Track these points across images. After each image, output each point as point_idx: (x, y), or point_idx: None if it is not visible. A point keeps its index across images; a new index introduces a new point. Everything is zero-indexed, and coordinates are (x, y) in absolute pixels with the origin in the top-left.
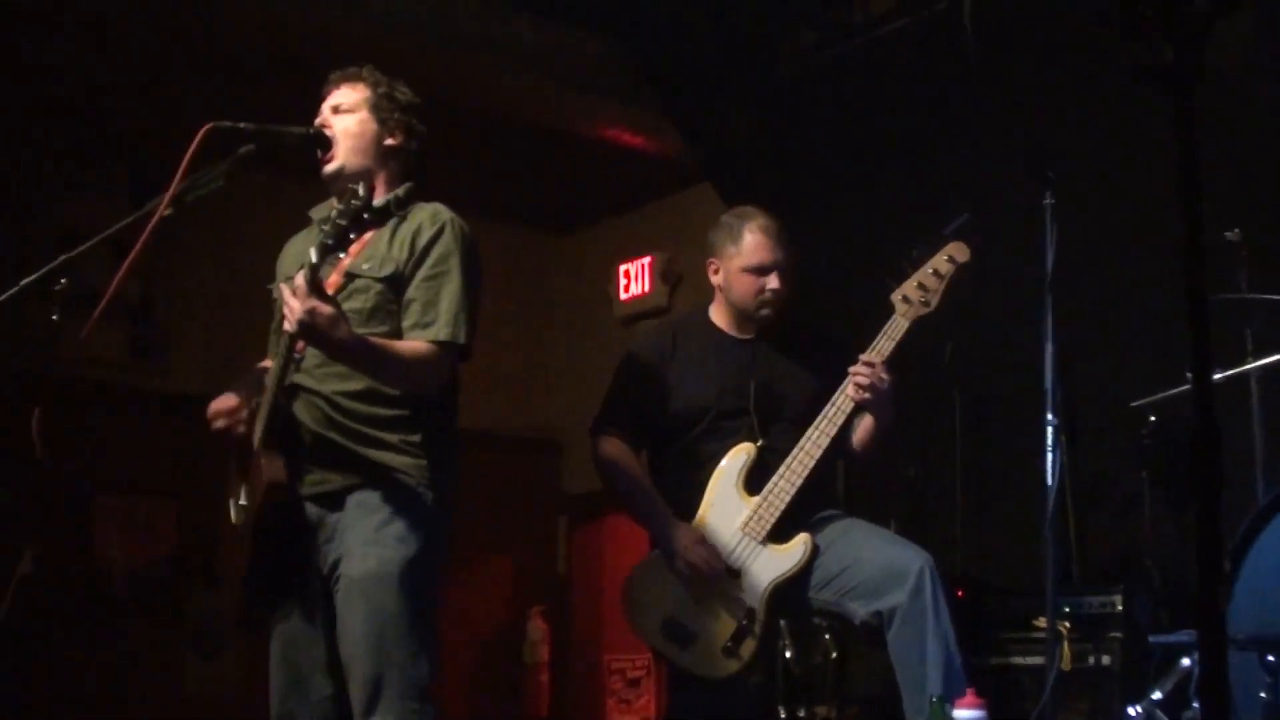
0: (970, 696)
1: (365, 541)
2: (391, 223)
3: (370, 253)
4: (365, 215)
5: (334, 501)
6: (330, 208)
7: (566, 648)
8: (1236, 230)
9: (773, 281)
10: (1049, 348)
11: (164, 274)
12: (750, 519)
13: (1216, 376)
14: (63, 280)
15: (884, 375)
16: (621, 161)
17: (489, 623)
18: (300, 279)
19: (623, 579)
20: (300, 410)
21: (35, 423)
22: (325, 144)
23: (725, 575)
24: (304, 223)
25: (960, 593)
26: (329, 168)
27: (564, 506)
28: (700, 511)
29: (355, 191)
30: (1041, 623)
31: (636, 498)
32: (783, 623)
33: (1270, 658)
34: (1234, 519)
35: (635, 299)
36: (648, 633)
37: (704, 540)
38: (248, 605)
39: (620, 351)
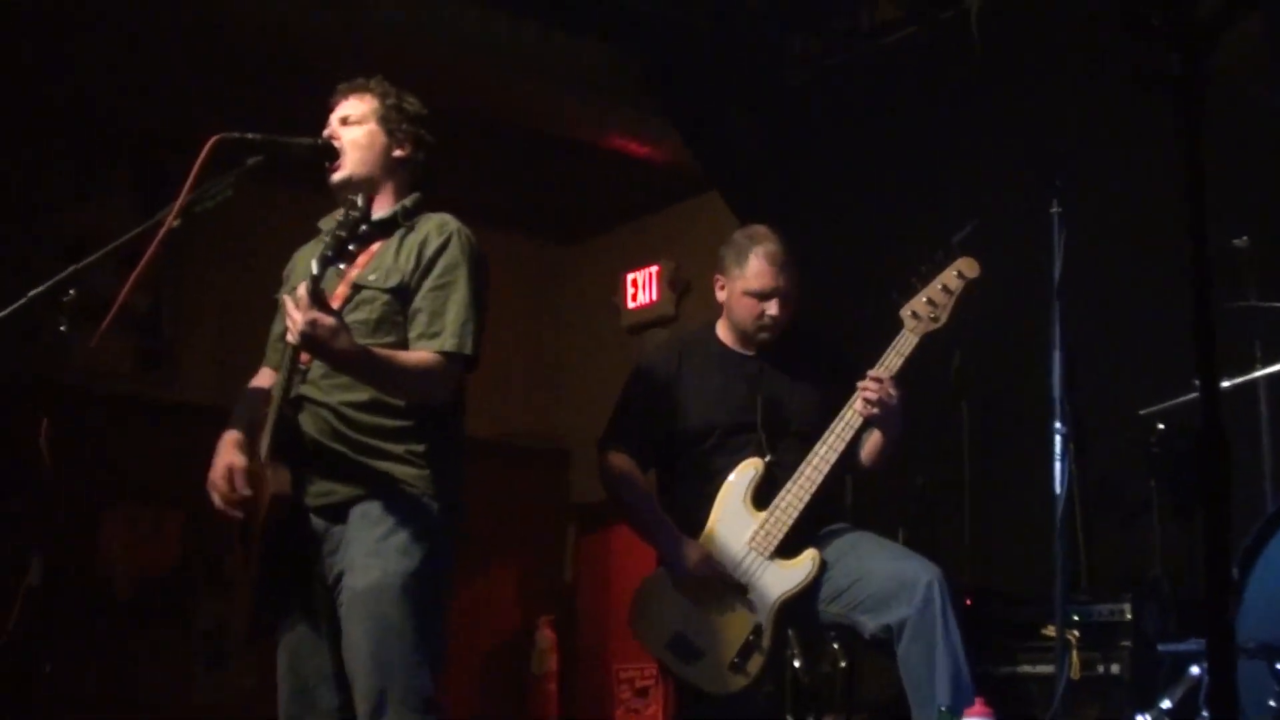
0: (979, 705)
1: (368, 553)
2: (399, 233)
3: (377, 263)
4: (364, 227)
5: (339, 513)
6: (336, 217)
7: (574, 657)
8: (1244, 238)
9: (772, 308)
10: (1056, 356)
11: (172, 284)
12: (758, 534)
13: (1224, 384)
14: (71, 291)
15: (892, 390)
16: (628, 170)
17: (497, 632)
18: (302, 290)
19: (631, 588)
20: (306, 422)
21: (43, 433)
22: (333, 155)
23: (732, 590)
24: (312, 232)
25: (969, 601)
26: (336, 177)
27: (572, 515)
28: (708, 526)
29: (354, 203)
30: (1050, 631)
31: (643, 514)
32: (791, 632)
33: (1279, 666)
34: (1242, 527)
35: (642, 308)
36: (655, 648)
37: (711, 556)
38: (254, 616)
39: (628, 360)
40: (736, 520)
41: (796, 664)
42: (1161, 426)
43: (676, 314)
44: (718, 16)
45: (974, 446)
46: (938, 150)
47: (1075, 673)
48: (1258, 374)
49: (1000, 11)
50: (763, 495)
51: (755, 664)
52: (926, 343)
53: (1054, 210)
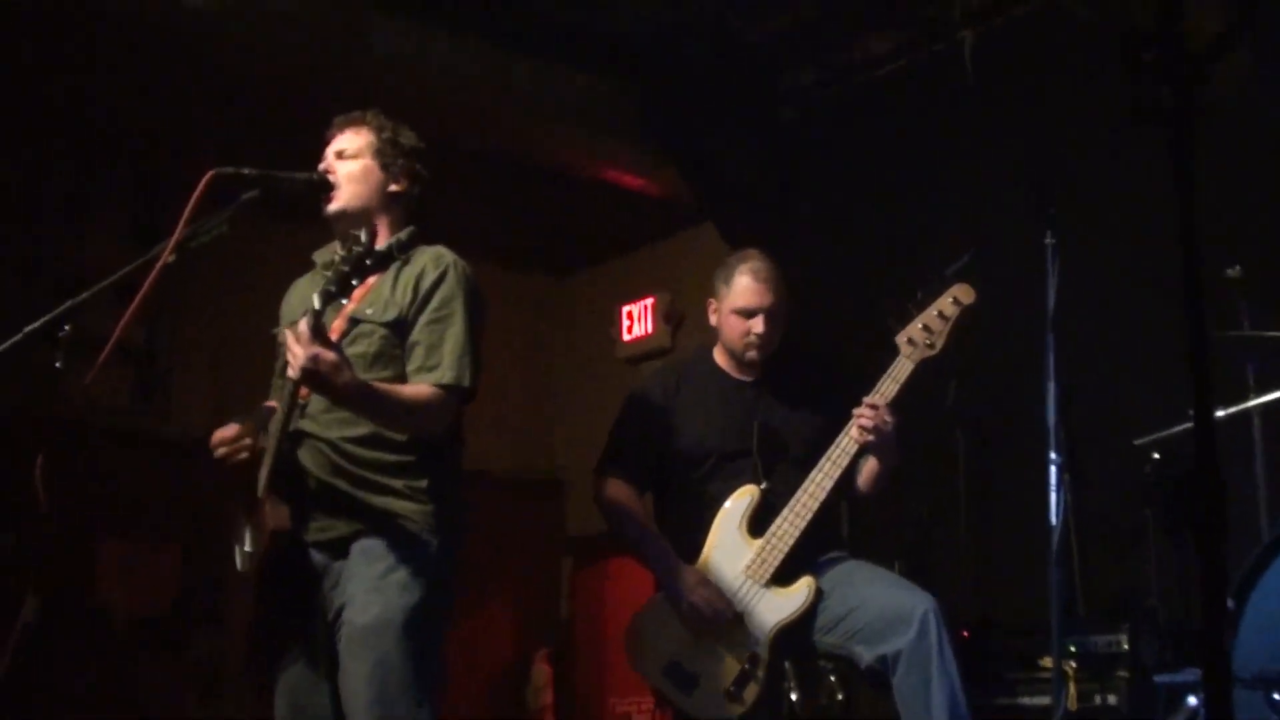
0: None
1: (369, 589)
2: (394, 267)
3: (373, 297)
4: (368, 261)
5: (339, 548)
6: (333, 252)
7: (571, 691)
8: (1238, 267)
9: (758, 325)
10: (1051, 386)
11: (167, 318)
12: (754, 561)
13: (1219, 414)
14: (66, 327)
15: (888, 418)
16: (623, 202)
17: (493, 666)
18: (303, 325)
19: (627, 622)
20: (305, 457)
21: (38, 469)
22: (328, 189)
23: (729, 618)
24: (307, 266)
25: (965, 633)
26: (331, 209)
27: (568, 549)
28: (704, 553)
29: (358, 238)
30: (1047, 662)
31: (640, 540)
32: (787, 664)
33: (1276, 695)
34: (1238, 556)
35: (638, 340)
36: (651, 676)
37: (707, 583)
38: (253, 651)
39: (623, 392)
40: (732, 547)
41: (794, 696)
42: (1157, 456)
43: (672, 346)
44: (713, 50)
45: (970, 475)
46: (932, 182)
47: (1073, 704)
48: (1251, 403)
49: (993, 43)
50: (759, 522)
51: (751, 693)
52: (922, 371)
53: (1048, 241)
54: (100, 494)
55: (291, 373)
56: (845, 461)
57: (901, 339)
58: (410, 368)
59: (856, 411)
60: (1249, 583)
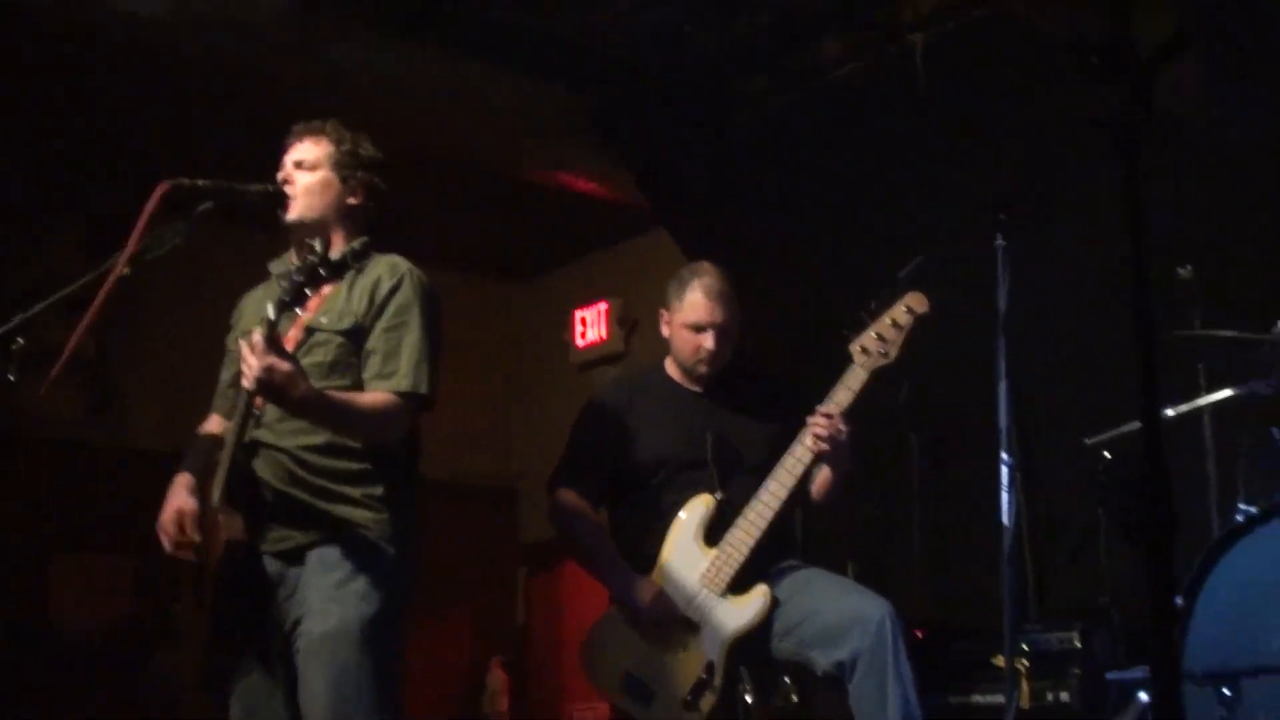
0: None
1: (326, 599)
2: (349, 276)
3: (328, 307)
4: (322, 271)
5: (295, 558)
6: (288, 262)
7: (526, 698)
8: (1189, 267)
9: (708, 341)
10: (1003, 387)
11: (120, 330)
12: (709, 571)
13: (1170, 412)
14: (19, 340)
15: (842, 426)
16: (577, 207)
17: (449, 673)
18: (257, 335)
19: (582, 627)
20: (260, 467)
21: None
22: (284, 200)
23: (684, 628)
24: (261, 276)
25: (920, 633)
26: (288, 219)
27: (522, 556)
28: (659, 564)
29: (312, 247)
30: (1000, 661)
31: (594, 552)
32: (743, 668)
33: (1226, 691)
34: (1190, 553)
35: (592, 345)
36: (608, 688)
37: (662, 593)
38: (208, 664)
39: (577, 398)
40: (688, 557)
41: (748, 699)
42: (1108, 455)
43: (626, 351)
44: (666, 56)
45: (923, 479)
46: (885, 186)
47: (1025, 702)
48: (1202, 401)
49: (944, 47)
50: (714, 532)
51: (708, 702)
52: (876, 377)
53: (999, 244)
54: (54, 507)
55: (246, 383)
56: (799, 470)
57: (855, 347)
58: (367, 375)
59: (810, 420)
60: (1199, 580)
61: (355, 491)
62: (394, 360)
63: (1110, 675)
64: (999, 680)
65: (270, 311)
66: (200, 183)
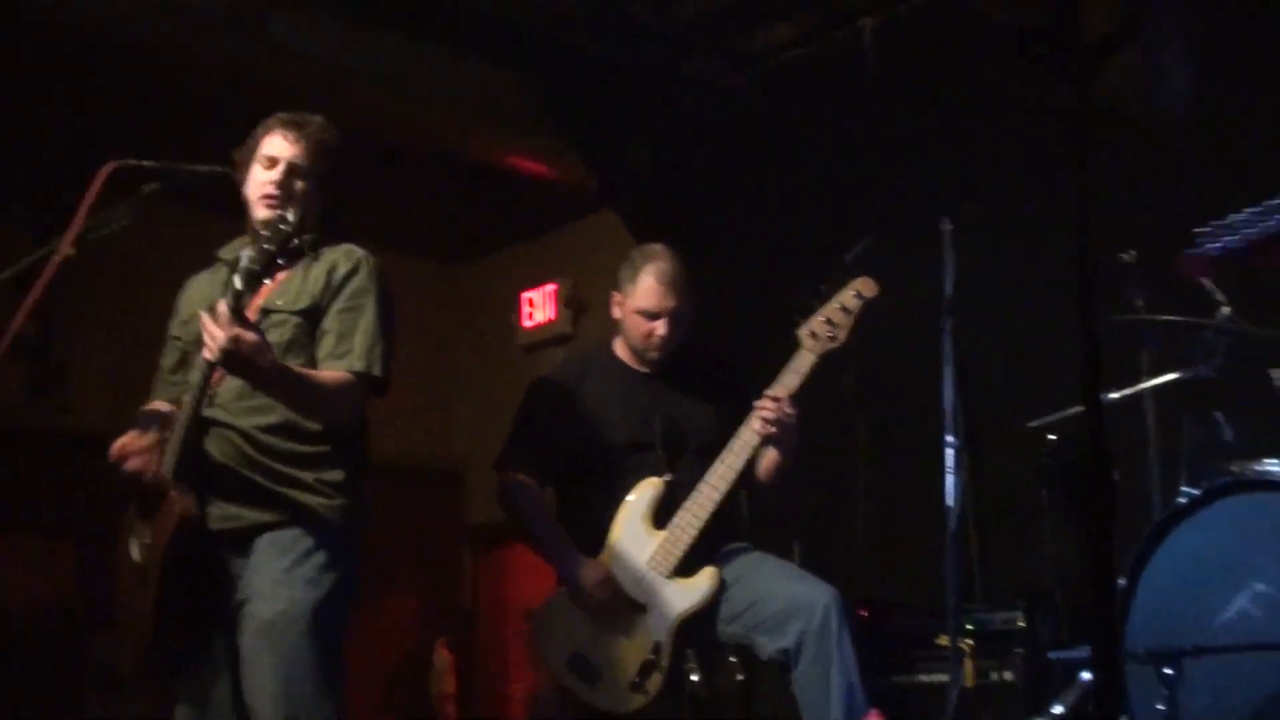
0: (874, 716)
1: (275, 582)
2: (304, 262)
3: (284, 289)
4: (295, 242)
5: (244, 539)
6: (238, 246)
7: (473, 678)
8: (1132, 252)
9: (661, 327)
10: (948, 370)
11: (62, 311)
12: (657, 553)
13: (1113, 396)
14: None
15: (789, 410)
16: (524, 188)
17: (395, 655)
18: (223, 306)
19: (527, 608)
20: (212, 445)
21: None
22: (230, 182)
23: (631, 610)
24: (207, 262)
25: (864, 613)
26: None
27: (467, 537)
28: (608, 546)
29: (284, 217)
30: (944, 641)
31: (542, 534)
32: (689, 649)
33: (1167, 670)
34: (1132, 534)
35: (539, 326)
36: (555, 669)
37: (610, 575)
38: (153, 645)
39: (523, 380)
40: (636, 539)
41: (694, 678)
42: (1052, 438)
43: (574, 332)
44: (615, 39)
45: (868, 461)
46: (833, 169)
47: (969, 681)
48: (1144, 385)
49: (893, 31)
50: (662, 514)
51: (655, 683)
52: (824, 361)
53: (945, 227)
54: None
55: (208, 355)
56: (747, 453)
57: (803, 331)
58: (320, 354)
59: (758, 404)
60: (1141, 561)
61: (309, 476)
62: (348, 340)
63: (1053, 655)
64: (943, 659)
65: (238, 282)
66: (146, 163)
